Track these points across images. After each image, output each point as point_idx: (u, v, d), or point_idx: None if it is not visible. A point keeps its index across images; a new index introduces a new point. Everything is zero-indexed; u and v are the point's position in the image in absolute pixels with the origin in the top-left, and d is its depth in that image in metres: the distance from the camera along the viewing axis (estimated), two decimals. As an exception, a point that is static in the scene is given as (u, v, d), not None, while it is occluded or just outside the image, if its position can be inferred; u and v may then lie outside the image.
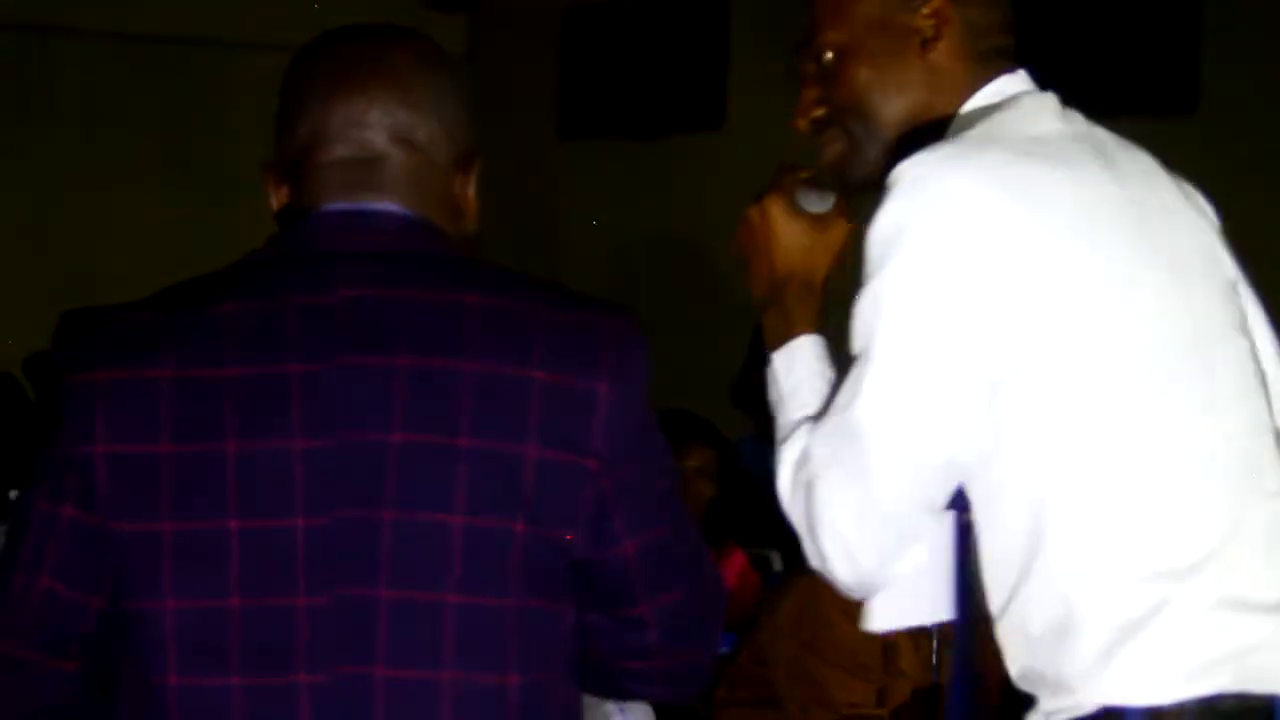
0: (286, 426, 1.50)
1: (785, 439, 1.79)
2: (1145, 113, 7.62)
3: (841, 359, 1.81)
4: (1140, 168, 1.80)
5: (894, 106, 1.85)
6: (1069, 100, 1.85)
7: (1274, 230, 7.05)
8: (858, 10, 1.85)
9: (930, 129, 1.83)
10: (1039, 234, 1.67)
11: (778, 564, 5.41)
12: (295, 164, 1.63)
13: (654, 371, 1.58)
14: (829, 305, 1.91)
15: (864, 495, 1.69)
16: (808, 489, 1.72)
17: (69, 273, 8.87)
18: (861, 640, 3.64)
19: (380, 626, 1.48)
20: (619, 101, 9.91)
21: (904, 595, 1.90)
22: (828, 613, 3.65)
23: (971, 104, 1.83)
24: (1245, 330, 1.79)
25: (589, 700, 1.67)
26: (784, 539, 6.04)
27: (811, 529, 1.73)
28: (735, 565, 4.64)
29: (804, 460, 1.74)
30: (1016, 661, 1.75)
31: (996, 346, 1.66)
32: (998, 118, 1.79)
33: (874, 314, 1.68)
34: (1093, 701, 1.66)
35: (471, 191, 1.67)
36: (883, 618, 1.92)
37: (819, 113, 1.88)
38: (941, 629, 3.72)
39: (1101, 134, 1.82)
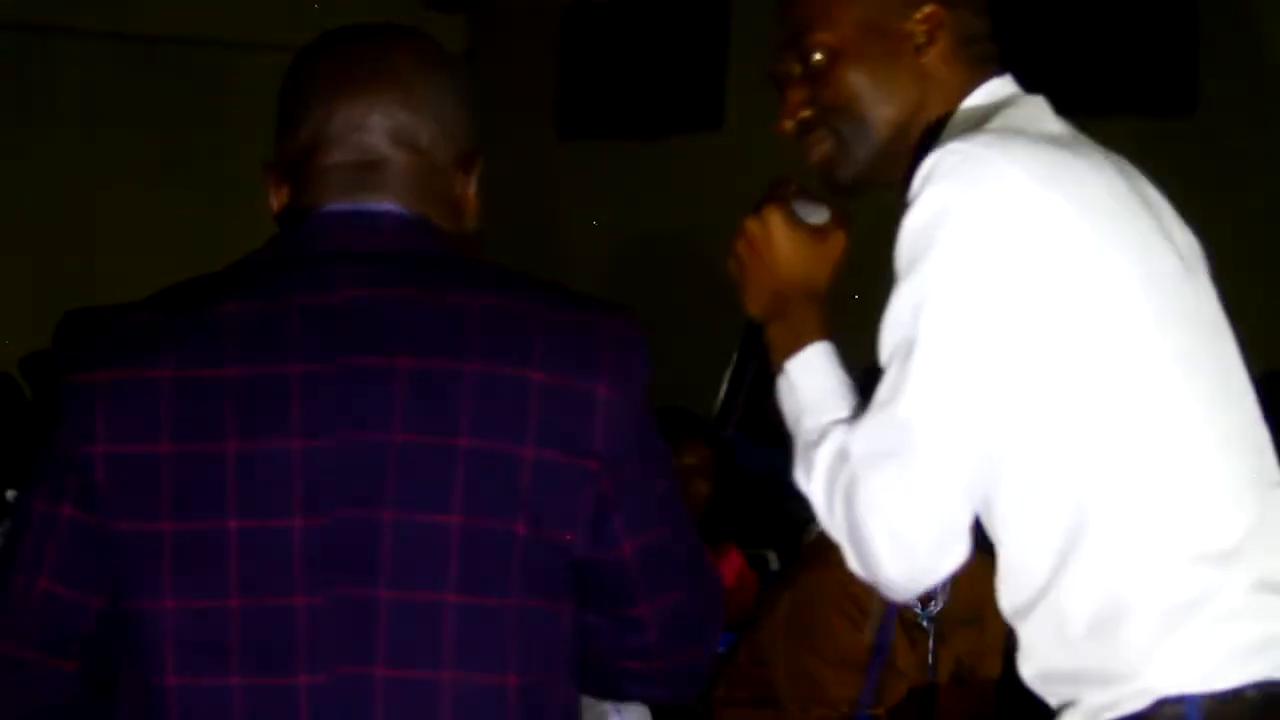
0: (287, 427, 1.50)
1: (814, 444, 1.75)
2: (1144, 112, 7.64)
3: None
4: (1131, 168, 1.82)
5: (886, 109, 1.84)
6: (1069, 100, 1.86)
7: (1271, 229, 7.07)
8: (850, 12, 1.84)
9: (928, 131, 1.83)
10: (1078, 223, 1.66)
11: (775, 563, 5.41)
12: (296, 165, 1.63)
13: (653, 371, 1.58)
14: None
15: (915, 487, 1.65)
16: (848, 491, 1.68)
17: (67, 272, 8.87)
18: (857, 639, 3.65)
19: (380, 627, 1.49)
20: (618, 101, 9.91)
21: None
22: (825, 612, 3.65)
23: (971, 102, 1.84)
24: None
25: (586, 700, 1.67)
26: (781, 539, 6.06)
27: (856, 529, 1.68)
28: (733, 565, 4.64)
29: (840, 461, 1.70)
30: (1041, 660, 1.73)
31: (1040, 335, 1.64)
32: (1007, 114, 1.79)
33: (918, 304, 1.66)
34: (1147, 691, 1.64)
35: (472, 191, 1.67)
36: None
37: (806, 114, 1.87)
38: (938, 628, 3.74)
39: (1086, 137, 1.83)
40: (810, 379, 1.81)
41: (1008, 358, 1.64)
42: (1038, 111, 1.82)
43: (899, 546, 1.66)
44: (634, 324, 1.59)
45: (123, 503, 1.51)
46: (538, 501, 1.51)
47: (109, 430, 1.52)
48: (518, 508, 1.50)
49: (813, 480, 1.74)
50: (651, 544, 1.59)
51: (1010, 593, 1.74)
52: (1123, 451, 1.67)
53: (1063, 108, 1.86)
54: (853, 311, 1.96)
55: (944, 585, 3.74)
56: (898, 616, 3.69)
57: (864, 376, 1.81)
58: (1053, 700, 1.74)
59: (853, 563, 1.71)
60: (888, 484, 1.66)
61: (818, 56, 1.85)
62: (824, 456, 1.72)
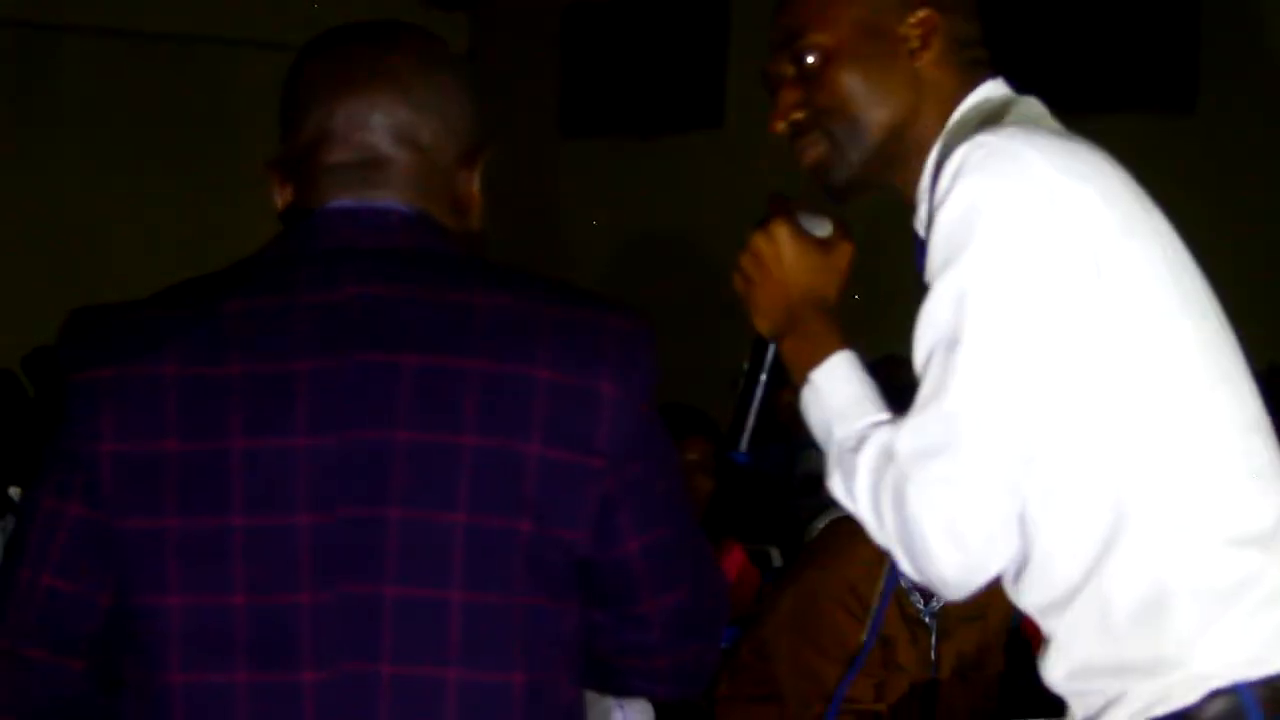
0: (292, 424, 1.50)
1: (853, 450, 1.73)
2: (1145, 110, 7.64)
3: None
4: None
5: (879, 112, 1.84)
6: (1071, 97, 1.86)
7: (1271, 227, 7.07)
8: (845, 14, 1.84)
9: (934, 131, 1.84)
10: (1106, 214, 1.67)
11: (778, 559, 5.41)
12: (299, 163, 1.63)
13: (659, 370, 1.58)
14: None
15: (968, 482, 1.63)
16: (897, 491, 1.66)
17: (70, 270, 8.88)
18: (859, 635, 3.65)
19: (385, 624, 1.49)
20: (620, 100, 9.92)
21: None
22: (828, 608, 3.65)
23: (967, 105, 1.84)
24: None
25: (590, 696, 1.67)
26: (784, 534, 6.06)
27: (909, 529, 1.66)
28: (735, 560, 4.64)
29: (885, 462, 1.68)
30: (1079, 655, 1.71)
31: (1077, 325, 1.64)
32: (1018, 111, 1.80)
33: (959, 297, 1.65)
34: (1197, 678, 1.64)
35: (476, 187, 1.67)
36: None
37: (799, 116, 1.87)
38: (940, 624, 3.74)
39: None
40: (838, 387, 1.80)
41: (1050, 348, 1.64)
42: (1039, 111, 1.83)
43: (955, 542, 1.64)
44: (640, 321, 1.58)
45: (128, 500, 1.52)
46: (542, 499, 1.51)
47: (114, 428, 1.52)
48: (522, 505, 1.50)
49: (856, 485, 1.72)
50: (656, 542, 1.59)
51: (1040, 588, 1.73)
52: (1159, 439, 1.67)
53: (1064, 104, 1.87)
54: (855, 311, 1.96)
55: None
56: (899, 610, 3.69)
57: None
58: (1089, 699, 1.72)
59: (904, 564, 1.69)
60: (940, 480, 1.64)
61: (811, 59, 1.85)
62: (866, 460, 1.71)
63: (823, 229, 1.90)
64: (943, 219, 1.68)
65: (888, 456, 1.68)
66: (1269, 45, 7.71)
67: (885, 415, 1.75)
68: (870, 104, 1.84)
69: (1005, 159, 1.66)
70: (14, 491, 4.60)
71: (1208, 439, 1.69)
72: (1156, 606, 1.66)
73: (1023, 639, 3.98)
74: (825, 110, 1.85)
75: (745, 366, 1.94)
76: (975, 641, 3.71)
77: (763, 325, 1.90)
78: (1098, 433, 1.67)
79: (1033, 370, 1.64)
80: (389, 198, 1.60)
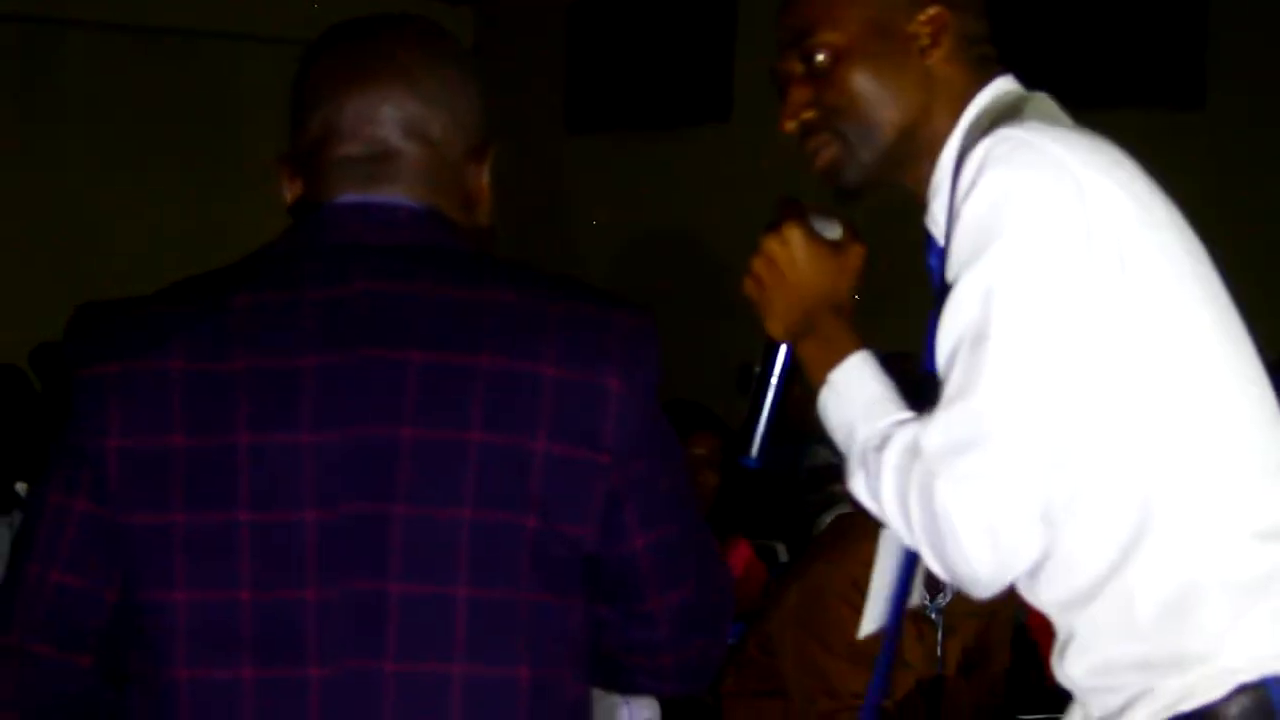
0: (298, 420, 1.50)
1: (877, 449, 1.72)
2: (1153, 106, 7.64)
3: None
4: None
5: (891, 111, 1.83)
6: (1079, 92, 1.86)
7: (1278, 224, 7.06)
8: (855, 13, 1.83)
9: (950, 128, 1.83)
10: (1129, 206, 1.67)
11: (784, 555, 5.41)
12: (308, 157, 1.63)
13: (663, 369, 1.58)
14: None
15: (998, 478, 1.62)
16: (924, 488, 1.64)
17: (75, 265, 8.89)
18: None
19: (390, 620, 1.48)
20: (626, 94, 9.91)
21: (881, 599, 1.90)
22: (834, 604, 3.65)
23: (980, 101, 1.84)
24: None
25: (596, 693, 1.67)
26: (790, 530, 6.05)
27: (937, 526, 1.64)
28: (741, 556, 4.64)
29: (911, 459, 1.67)
30: (1103, 651, 1.71)
31: (1104, 318, 1.64)
32: (1032, 108, 1.79)
33: (986, 292, 1.64)
34: (1225, 672, 1.64)
35: (485, 182, 1.67)
36: (872, 620, 1.92)
37: (809, 115, 1.86)
38: (945, 621, 3.74)
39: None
40: (859, 387, 1.79)
41: (1077, 343, 1.63)
42: (1052, 107, 1.82)
43: (985, 539, 1.62)
44: (646, 318, 1.58)
45: (134, 495, 1.52)
46: (548, 495, 1.51)
47: (121, 423, 1.52)
48: (528, 502, 1.50)
49: (882, 484, 1.71)
50: (662, 538, 1.59)
51: (1060, 584, 1.73)
52: (1184, 433, 1.67)
53: (1072, 100, 1.87)
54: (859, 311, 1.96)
55: (952, 578, 3.73)
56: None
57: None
58: (1108, 696, 1.71)
59: (932, 563, 1.68)
60: (970, 476, 1.62)
61: (821, 57, 1.84)
62: (892, 458, 1.69)
63: (833, 231, 1.89)
64: (968, 213, 1.67)
65: (914, 454, 1.67)
66: (1277, 42, 7.71)
67: (908, 414, 1.75)
68: (881, 103, 1.83)
69: (1030, 152, 1.65)
70: (21, 487, 4.60)
71: (1231, 432, 1.68)
72: (1183, 602, 1.65)
73: (1028, 638, 3.98)
74: (836, 109, 1.84)
75: (757, 370, 1.93)
76: (981, 638, 3.71)
77: (776, 329, 1.89)
78: (1124, 428, 1.66)
79: (1061, 365, 1.63)
80: (398, 193, 1.60)
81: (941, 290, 1.76)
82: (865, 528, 3.77)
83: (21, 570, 1.56)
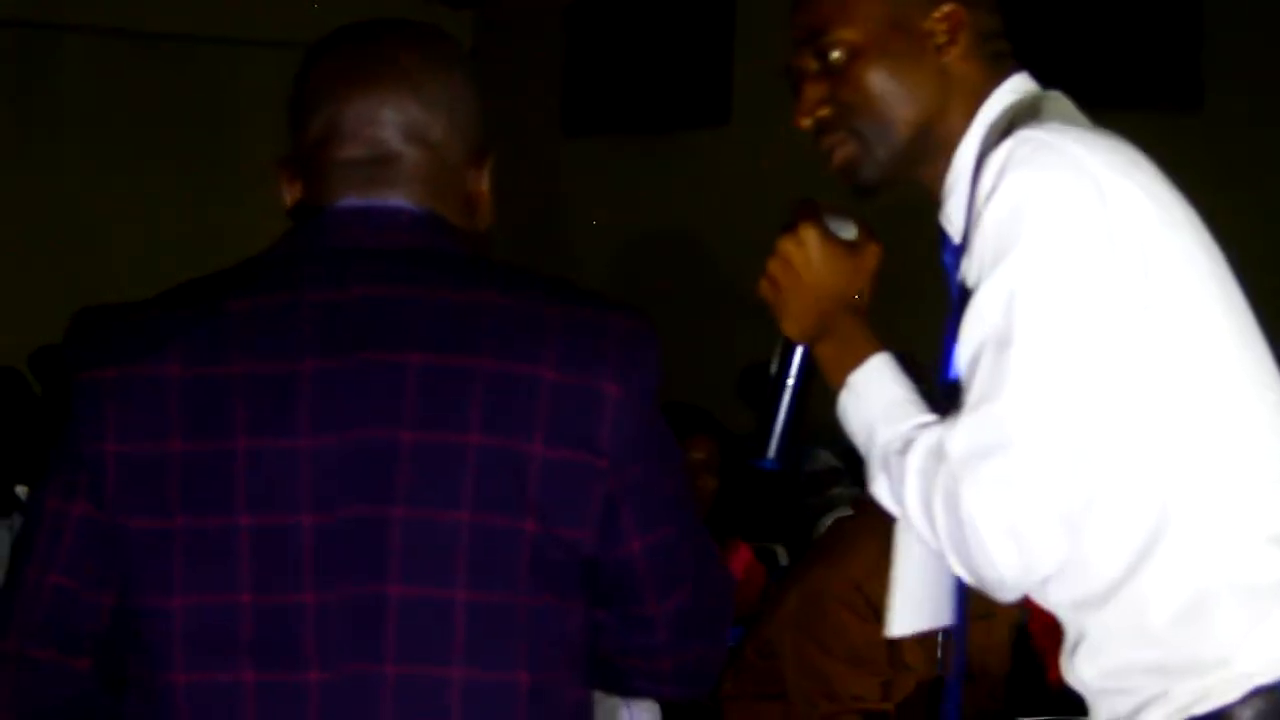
0: (296, 424, 1.50)
1: (899, 452, 1.71)
2: (1150, 108, 7.64)
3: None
4: None
5: (907, 109, 1.83)
6: (1075, 95, 1.86)
7: (1276, 226, 7.07)
8: (871, 10, 1.82)
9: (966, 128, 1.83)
10: (1151, 208, 1.66)
11: (784, 558, 5.42)
12: (308, 160, 1.63)
13: (663, 372, 1.57)
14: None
15: (1023, 481, 1.61)
16: (949, 493, 1.63)
17: (74, 269, 8.89)
18: (866, 633, 3.65)
19: (389, 623, 1.49)
20: (624, 97, 9.91)
21: (922, 598, 1.90)
22: (834, 608, 3.65)
23: (996, 99, 1.83)
24: None
25: (596, 696, 1.67)
26: (790, 533, 6.05)
27: (963, 530, 1.63)
28: (741, 559, 4.64)
29: (935, 463, 1.66)
30: (1116, 654, 1.71)
31: (1127, 321, 1.63)
32: (1050, 108, 1.78)
33: (1009, 295, 1.63)
34: (1241, 677, 1.63)
35: (485, 186, 1.67)
36: (902, 622, 1.91)
37: (824, 112, 1.85)
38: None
39: None
40: (879, 389, 1.79)
41: (1100, 347, 1.63)
42: (1069, 106, 1.81)
43: (1010, 543, 1.61)
44: (644, 322, 1.58)
45: (133, 500, 1.52)
46: (546, 499, 1.51)
47: (119, 427, 1.52)
48: (526, 505, 1.50)
49: (906, 488, 1.70)
50: (660, 542, 1.59)
51: (1074, 585, 1.72)
52: (1202, 438, 1.66)
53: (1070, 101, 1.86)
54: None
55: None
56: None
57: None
58: (1120, 699, 1.71)
59: (957, 567, 1.67)
60: (995, 481, 1.61)
61: (836, 54, 1.83)
62: (915, 461, 1.68)
63: (849, 231, 1.88)
64: (989, 217, 1.66)
65: (938, 458, 1.65)
66: (1275, 43, 7.71)
67: (930, 417, 1.74)
68: (898, 101, 1.82)
69: (1052, 153, 1.65)
70: (20, 490, 4.61)
71: (1247, 438, 1.68)
72: (1198, 607, 1.65)
73: (1030, 644, 3.98)
74: (851, 107, 1.84)
75: (773, 371, 1.92)
76: (982, 641, 3.70)
77: (792, 330, 1.88)
78: (1144, 432, 1.66)
79: (1085, 369, 1.62)
80: (398, 197, 1.60)
81: (959, 289, 1.75)
82: (866, 531, 3.78)
83: (20, 574, 1.57)
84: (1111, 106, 1.82)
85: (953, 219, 1.84)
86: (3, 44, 9.54)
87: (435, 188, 1.62)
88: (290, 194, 1.66)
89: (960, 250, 1.77)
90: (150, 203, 9.46)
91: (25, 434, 5.50)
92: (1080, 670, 1.75)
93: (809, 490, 6.31)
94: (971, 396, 1.65)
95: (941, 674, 3.69)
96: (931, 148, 1.84)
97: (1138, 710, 1.69)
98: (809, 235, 1.85)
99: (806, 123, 1.86)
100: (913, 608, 1.90)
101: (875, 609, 3.65)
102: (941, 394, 1.77)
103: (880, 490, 1.74)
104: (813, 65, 1.86)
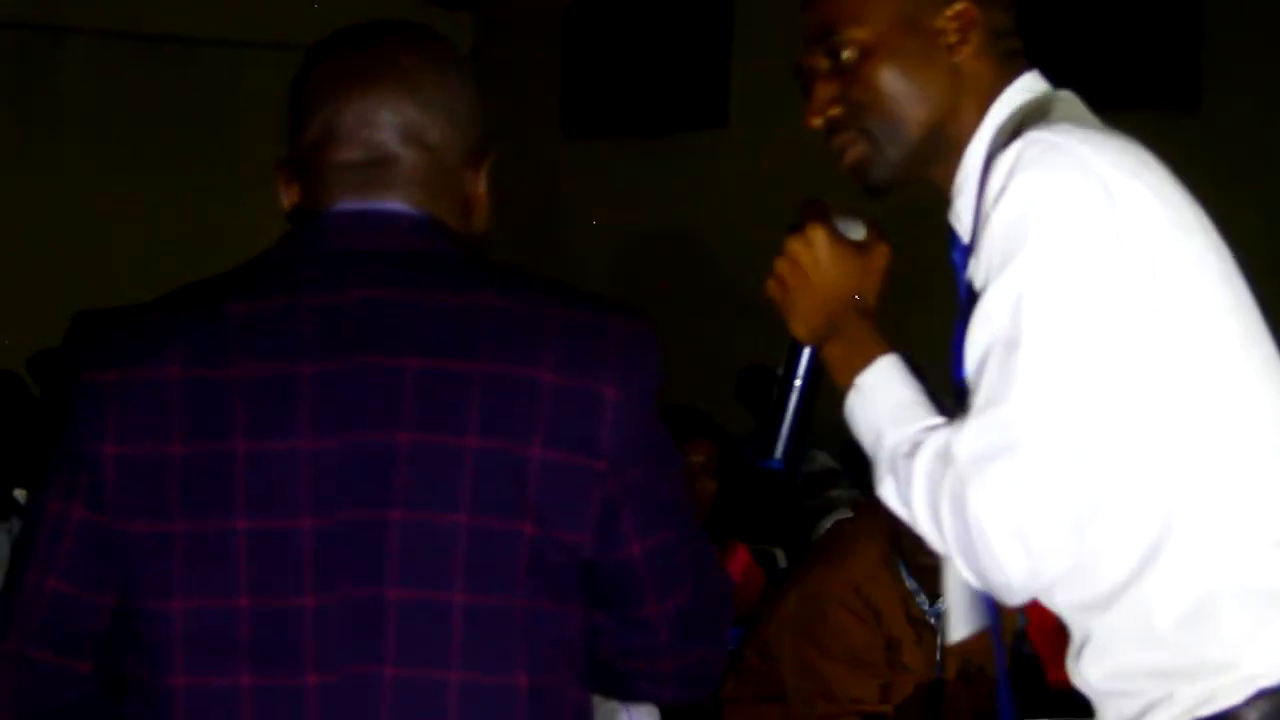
0: (295, 427, 1.50)
1: (907, 455, 1.70)
2: (1148, 108, 7.64)
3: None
4: None
5: (918, 109, 1.81)
6: (1076, 94, 1.85)
7: (1275, 226, 7.07)
8: (882, 9, 1.81)
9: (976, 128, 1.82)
10: (1161, 210, 1.66)
11: (782, 560, 5.42)
12: (306, 163, 1.63)
13: (662, 375, 1.57)
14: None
15: (1031, 485, 1.59)
16: (957, 496, 1.62)
17: (74, 271, 8.89)
18: (865, 635, 3.65)
19: (388, 626, 1.48)
20: (623, 99, 9.92)
21: (973, 600, 1.89)
22: (832, 609, 3.66)
23: (1007, 98, 1.82)
24: None
25: (595, 699, 1.67)
26: (788, 535, 6.04)
27: (970, 534, 1.62)
28: (740, 561, 4.64)
29: (943, 466, 1.64)
30: (1121, 656, 1.70)
31: (1135, 324, 1.63)
32: (1060, 108, 1.77)
33: (1017, 298, 1.62)
34: (1247, 679, 1.63)
35: (483, 189, 1.67)
36: (959, 628, 1.91)
37: (835, 111, 1.84)
38: (945, 625, 3.73)
39: None
40: (888, 391, 1.78)
41: (1109, 350, 1.62)
42: (1080, 107, 1.80)
43: (1017, 546, 1.60)
44: (644, 324, 1.58)
45: (132, 502, 1.52)
46: (545, 502, 1.51)
47: (118, 430, 1.52)
48: (524, 508, 1.50)
49: (913, 491, 1.69)
50: (659, 546, 1.58)
51: (1079, 588, 1.71)
52: (1209, 440, 1.66)
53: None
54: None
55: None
56: (904, 612, 3.70)
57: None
58: (1125, 701, 1.70)
59: (964, 571, 1.66)
60: (1003, 484, 1.60)
61: (848, 53, 1.82)
62: (922, 464, 1.68)
63: (858, 231, 1.87)
64: (997, 218, 1.65)
65: (946, 461, 1.65)
66: (1273, 43, 7.71)
67: (938, 419, 1.73)
68: (909, 101, 1.81)
69: (1061, 154, 1.64)
70: (20, 493, 4.61)
71: (1254, 441, 1.68)
72: (1204, 610, 1.64)
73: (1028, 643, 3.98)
74: (862, 106, 1.82)
75: (780, 372, 1.91)
76: (981, 643, 3.70)
77: (801, 331, 1.86)
78: (1151, 435, 1.65)
79: (1093, 371, 1.61)
80: (396, 199, 1.60)
81: (966, 289, 1.75)
82: (864, 533, 3.78)
83: (20, 577, 1.56)
84: (1110, 106, 1.81)
85: (961, 217, 1.83)
86: (3, 45, 9.54)
87: (432, 190, 1.62)
88: (287, 196, 1.66)
89: (968, 250, 1.77)
90: (150, 204, 9.46)
91: (24, 437, 5.50)
92: (1086, 672, 1.74)
93: (807, 492, 6.31)
94: (979, 399, 1.64)
95: (940, 676, 3.70)
96: (943, 147, 1.83)
97: (1143, 712, 1.69)
98: (817, 235, 1.84)
99: (818, 122, 1.85)
100: (966, 611, 1.89)
101: (874, 610, 3.66)
102: (954, 395, 1.77)
103: (887, 493, 1.73)
104: (824, 64, 1.84)
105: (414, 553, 1.49)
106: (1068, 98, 1.82)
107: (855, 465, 6.10)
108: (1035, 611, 1.83)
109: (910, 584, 3.69)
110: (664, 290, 8.00)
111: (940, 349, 1.82)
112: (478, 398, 1.50)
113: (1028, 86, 1.83)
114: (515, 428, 1.50)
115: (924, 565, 3.63)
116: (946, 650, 3.71)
